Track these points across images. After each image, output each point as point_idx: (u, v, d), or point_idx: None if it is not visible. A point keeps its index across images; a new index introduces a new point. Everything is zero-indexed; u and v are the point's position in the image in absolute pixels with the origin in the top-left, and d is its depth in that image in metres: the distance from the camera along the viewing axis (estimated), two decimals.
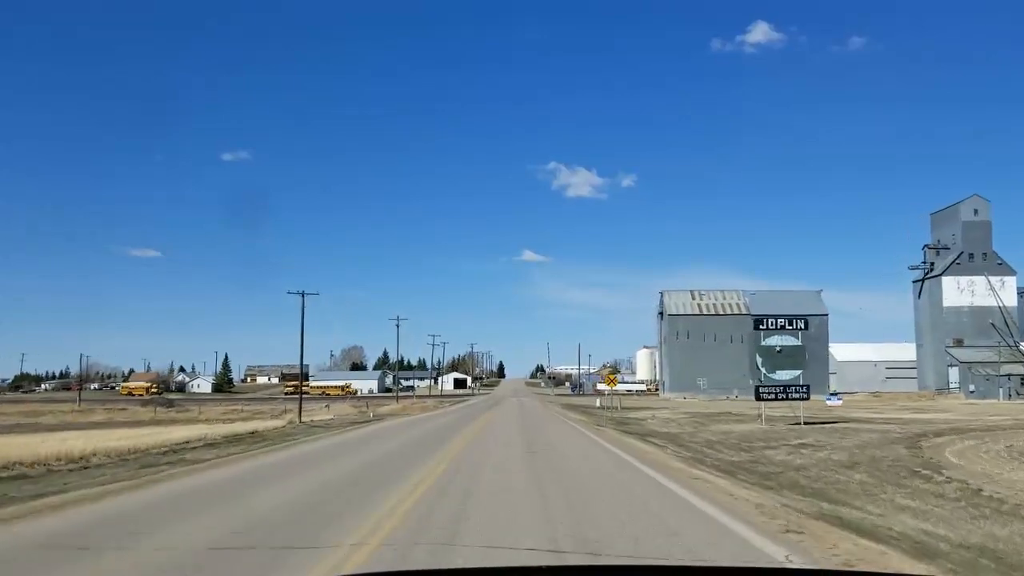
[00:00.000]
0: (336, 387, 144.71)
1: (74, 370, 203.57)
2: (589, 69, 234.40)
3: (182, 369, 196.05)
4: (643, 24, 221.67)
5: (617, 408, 72.92)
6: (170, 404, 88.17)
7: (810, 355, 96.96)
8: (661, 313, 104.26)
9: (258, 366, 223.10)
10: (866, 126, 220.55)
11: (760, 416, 34.97)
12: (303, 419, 56.89)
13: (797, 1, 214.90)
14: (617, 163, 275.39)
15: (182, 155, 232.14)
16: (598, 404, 77.46)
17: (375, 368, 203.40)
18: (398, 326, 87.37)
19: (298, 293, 46.34)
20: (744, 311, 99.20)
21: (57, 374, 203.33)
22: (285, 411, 77.95)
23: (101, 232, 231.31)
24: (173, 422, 69.36)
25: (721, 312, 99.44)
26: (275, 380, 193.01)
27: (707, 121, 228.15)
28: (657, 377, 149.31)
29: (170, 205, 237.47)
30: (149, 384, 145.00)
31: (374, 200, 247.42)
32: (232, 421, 65.19)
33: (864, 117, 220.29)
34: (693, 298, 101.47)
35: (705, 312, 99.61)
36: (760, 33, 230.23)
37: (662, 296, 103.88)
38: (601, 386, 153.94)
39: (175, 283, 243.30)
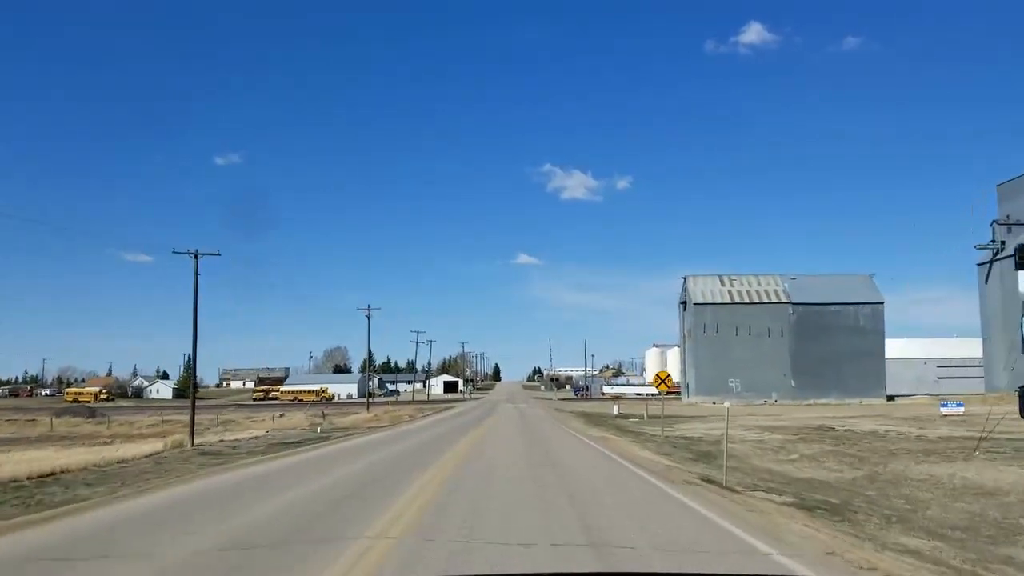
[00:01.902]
0: (310, 392, 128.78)
1: (49, 374, 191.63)
2: (584, 71, 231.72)
3: (163, 374, 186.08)
4: (638, 26, 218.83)
5: (643, 417, 57.29)
6: (91, 414, 72.26)
7: (864, 351, 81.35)
8: (684, 303, 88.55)
9: (233, 369, 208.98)
10: (864, 126, 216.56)
11: (979, 442, 19.16)
12: (220, 437, 41.31)
13: (791, 2, 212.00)
14: (612, 165, 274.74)
15: (176, 158, 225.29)
16: (615, 412, 62.06)
17: (360, 371, 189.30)
18: (368, 317, 71.81)
19: (188, 253, 30.58)
20: (784, 298, 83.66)
21: (24, 378, 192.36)
22: (218, 423, 62.16)
23: (94, 235, 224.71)
24: (64, 439, 53.54)
25: (756, 300, 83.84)
26: (251, 384, 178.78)
27: (702, 122, 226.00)
28: (677, 378, 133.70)
29: (164, 209, 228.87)
30: (99, 390, 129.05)
31: (368, 202, 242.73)
32: (142, 438, 49.70)
33: (862, 117, 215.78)
34: (722, 284, 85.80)
35: (737, 300, 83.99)
36: (754, 34, 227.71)
37: (685, 282, 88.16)
38: (607, 388, 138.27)
39: (167, 287, 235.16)
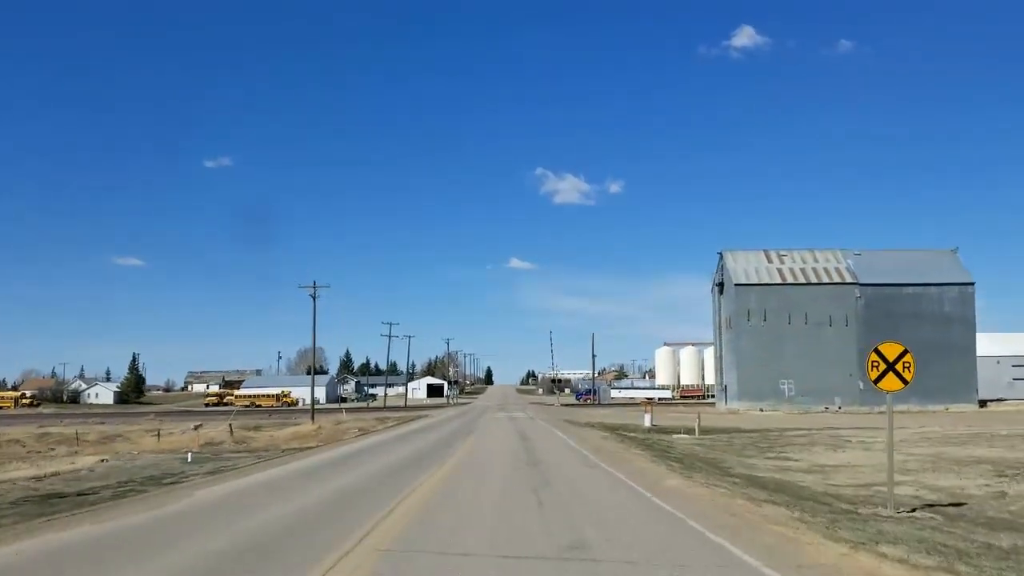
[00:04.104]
0: (270, 396, 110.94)
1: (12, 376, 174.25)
2: (576, 75, 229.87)
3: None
4: (630, 30, 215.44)
5: (694, 432, 40.04)
6: None
7: (950, 344, 64.24)
8: (720, 284, 71.23)
9: (200, 372, 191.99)
10: (860, 127, 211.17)
11: None
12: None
13: (783, 5, 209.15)
14: (605, 169, 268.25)
15: (168, 162, 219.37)
16: (648, 423, 45.38)
17: (337, 373, 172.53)
18: (315, 297, 54.07)
19: None
20: (848, 278, 66.57)
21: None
22: (77, 441, 44.21)
23: (88, 241, 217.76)
24: None
25: (814, 280, 66.65)
26: (215, 387, 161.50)
27: (694, 126, 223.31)
28: (712, 378, 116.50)
29: (159, 211, 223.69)
30: (22, 394, 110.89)
31: (359, 205, 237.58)
32: None
33: (857, 118, 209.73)
34: (770, 260, 68.52)
35: (789, 280, 66.72)
36: (746, 37, 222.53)
37: (722, 259, 70.86)
38: (615, 392, 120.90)
39: (156, 291, 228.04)
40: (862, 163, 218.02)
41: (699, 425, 39.90)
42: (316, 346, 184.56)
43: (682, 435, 39.03)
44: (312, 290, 54.42)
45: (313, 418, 53.41)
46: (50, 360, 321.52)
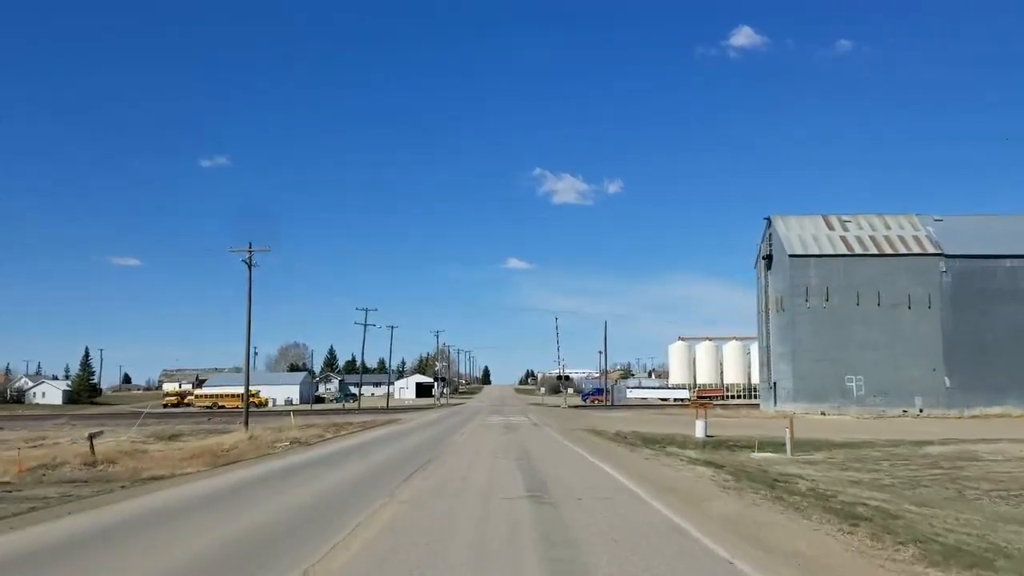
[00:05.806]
0: (234, 396, 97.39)
1: None
2: (573, 75, 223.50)
3: (77, 373, 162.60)
4: (627, 30, 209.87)
5: (786, 450, 26.99)
6: None
7: None
8: (767, 257, 58.07)
9: (174, 370, 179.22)
10: (856, 128, 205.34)
11: None
12: None
13: (781, 4, 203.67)
14: (603, 169, 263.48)
15: (164, 162, 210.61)
16: (701, 434, 32.52)
17: (320, 371, 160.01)
18: (250, 264, 40.87)
19: None
20: (930, 248, 53.58)
21: None
22: None
23: (82, 240, 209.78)
24: None
25: (888, 251, 53.64)
26: (188, 386, 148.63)
27: (692, 125, 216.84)
28: (733, 377, 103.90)
29: (155, 211, 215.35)
30: None
31: (356, 207, 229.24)
32: None
33: (855, 119, 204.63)
34: (831, 227, 55.42)
35: (857, 251, 53.68)
36: (744, 37, 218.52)
37: (770, 225, 57.76)
38: (632, 392, 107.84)
39: (148, 290, 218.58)
40: (863, 161, 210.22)
41: (790, 438, 26.90)
42: (298, 342, 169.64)
43: (768, 454, 26.13)
44: (247, 255, 41.21)
45: (247, 424, 40.32)
46: (33, 360, 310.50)
